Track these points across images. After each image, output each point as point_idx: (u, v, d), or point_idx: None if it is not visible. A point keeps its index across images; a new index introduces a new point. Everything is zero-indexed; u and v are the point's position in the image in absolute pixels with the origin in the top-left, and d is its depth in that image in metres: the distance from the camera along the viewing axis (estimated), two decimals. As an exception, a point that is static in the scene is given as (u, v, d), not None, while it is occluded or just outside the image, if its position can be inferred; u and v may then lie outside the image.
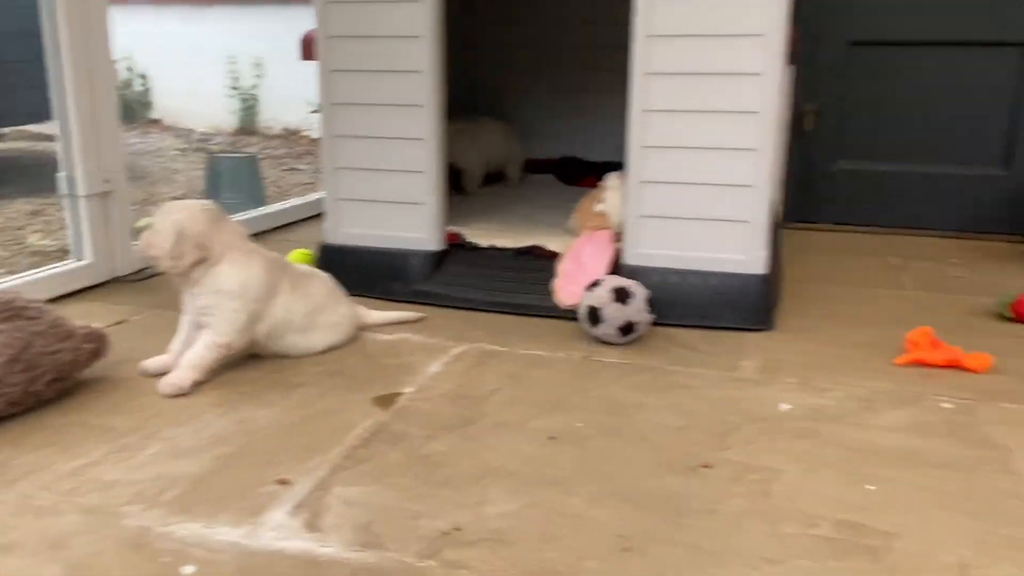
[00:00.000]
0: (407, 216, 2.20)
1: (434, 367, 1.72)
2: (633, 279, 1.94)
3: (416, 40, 2.08)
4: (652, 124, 1.97)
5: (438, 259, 2.22)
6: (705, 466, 1.31)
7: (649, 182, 2.00)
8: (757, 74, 1.88)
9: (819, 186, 3.19)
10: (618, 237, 2.13)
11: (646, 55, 1.92)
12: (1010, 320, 2.07)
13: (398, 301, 2.12)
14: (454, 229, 2.31)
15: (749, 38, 1.87)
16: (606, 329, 1.85)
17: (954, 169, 3.06)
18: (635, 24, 1.91)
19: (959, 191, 3.05)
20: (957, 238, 3.03)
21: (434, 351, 1.81)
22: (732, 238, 1.98)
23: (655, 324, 1.94)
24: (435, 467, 1.29)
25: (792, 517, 1.16)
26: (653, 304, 1.88)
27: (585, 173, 3.20)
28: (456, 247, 2.28)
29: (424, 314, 2.04)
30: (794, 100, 3.10)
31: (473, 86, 3.49)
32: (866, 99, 3.08)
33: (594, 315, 1.85)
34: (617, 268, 2.06)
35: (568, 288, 2.03)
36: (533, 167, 3.47)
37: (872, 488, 1.25)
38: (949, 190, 3.06)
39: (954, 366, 1.73)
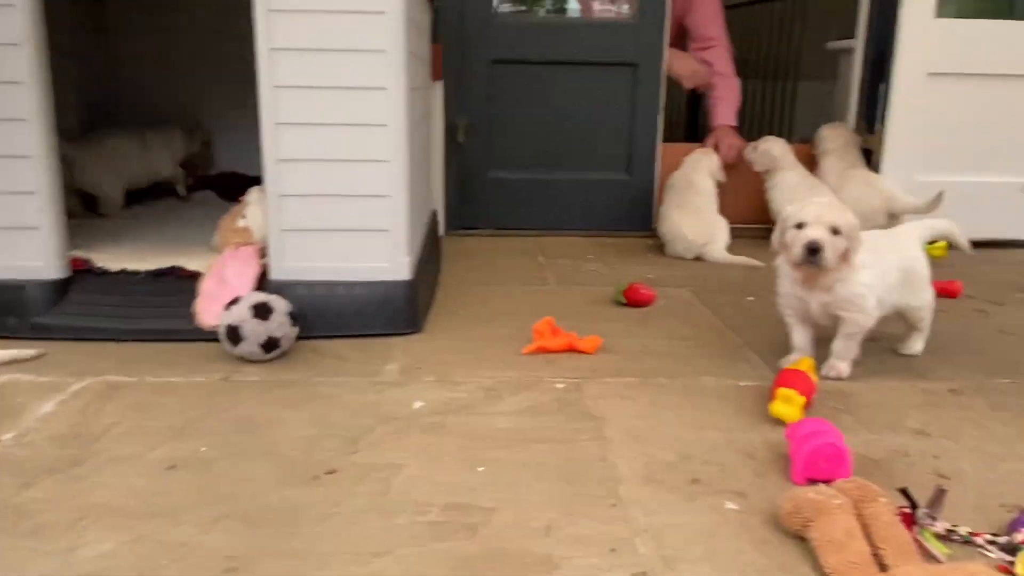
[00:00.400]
0: (18, 242, 1.97)
1: (45, 408, 1.55)
2: (280, 294, 1.92)
3: (12, 48, 1.87)
4: (285, 137, 1.96)
5: (61, 288, 2.01)
6: (330, 472, 1.33)
7: (288, 195, 1.99)
8: (383, 88, 1.95)
9: (477, 194, 3.40)
10: (263, 252, 2.09)
11: (271, 68, 1.91)
12: (624, 305, 2.36)
13: (13, 338, 1.90)
14: (80, 254, 2.11)
15: (372, 53, 1.93)
16: (248, 347, 1.80)
17: (589, 175, 3.42)
18: (257, 37, 1.89)
19: (594, 195, 3.43)
20: (594, 236, 3.40)
21: (48, 390, 1.64)
22: (374, 247, 2.03)
23: (305, 338, 1.94)
24: (25, 517, 1.17)
25: (406, 508, 1.22)
26: (297, 317, 1.87)
27: (245, 188, 3.10)
28: (83, 274, 2.08)
29: (43, 350, 1.83)
30: (445, 114, 3.29)
31: (116, 100, 3.25)
32: (511, 112, 3.34)
33: (234, 334, 1.80)
34: (264, 284, 2.02)
35: (210, 308, 1.95)
36: (194, 183, 3.30)
37: (482, 470, 1.35)
38: (586, 194, 3.42)
39: (571, 350, 1.94)
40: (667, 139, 3.49)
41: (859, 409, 1.65)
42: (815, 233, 1.67)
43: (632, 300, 2.35)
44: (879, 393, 1.74)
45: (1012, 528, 1.15)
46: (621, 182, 3.43)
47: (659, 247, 3.16)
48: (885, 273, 1.79)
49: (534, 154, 3.39)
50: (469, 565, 1.09)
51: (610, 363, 1.88)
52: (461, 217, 3.40)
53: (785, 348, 1.91)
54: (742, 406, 1.65)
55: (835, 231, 1.68)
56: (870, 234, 1.87)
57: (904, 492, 1.18)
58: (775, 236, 1.78)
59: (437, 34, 3.15)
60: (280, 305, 1.84)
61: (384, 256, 2.04)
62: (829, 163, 3.27)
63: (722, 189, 3.21)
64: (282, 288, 1.98)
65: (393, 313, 2.04)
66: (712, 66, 3.51)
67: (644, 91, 3.32)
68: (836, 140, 3.29)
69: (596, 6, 3.48)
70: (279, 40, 1.90)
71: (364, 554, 1.10)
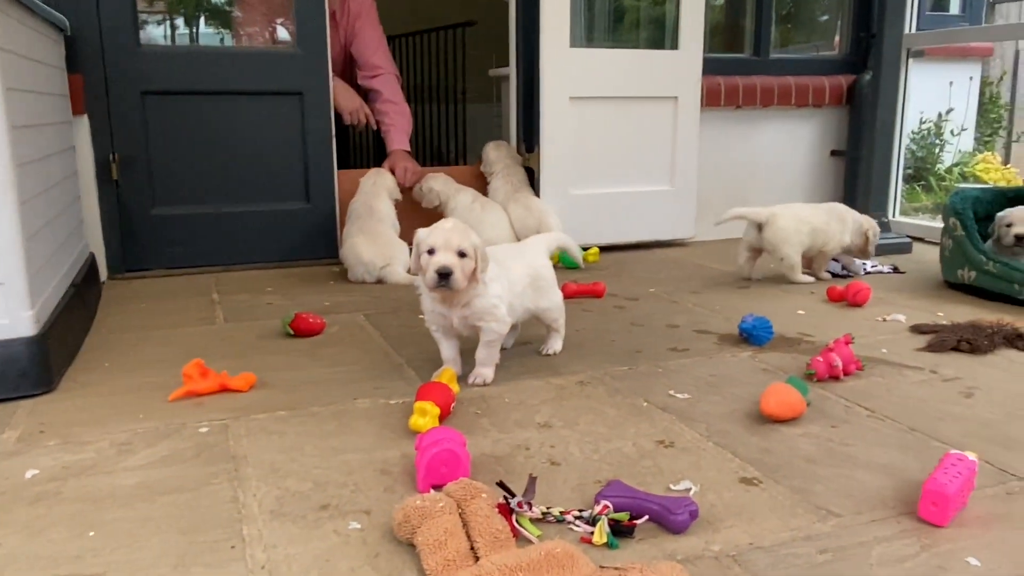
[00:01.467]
0: None
1: None
2: None
3: None
4: None
5: None
6: (-100, 569, 1.17)
7: None
8: (-26, 127, 1.76)
9: (141, 234, 3.19)
10: None
11: None
12: (293, 336, 2.35)
13: None
14: None
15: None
16: None
17: (267, 206, 3.36)
18: None
19: (273, 225, 3.36)
20: (278, 268, 3.34)
21: None
22: (-14, 303, 1.83)
23: (-98, 415, 1.69)
24: None
25: (-10, 594, 1.11)
26: None
27: None
28: None
29: None
30: (96, 150, 3.05)
31: None
32: (171, 146, 3.18)
33: None
34: None
35: None
36: None
37: (93, 534, 1.26)
38: (265, 225, 3.35)
39: (223, 390, 1.89)
40: (356, 166, 3.54)
41: (496, 411, 1.78)
42: (444, 259, 1.78)
43: (300, 331, 2.34)
44: (517, 393, 1.89)
45: (595, 501, 1.30)
46: (302, 211, 3.41)
47: (343, 273, 3.18)
48: (513, 282, 1.96)
49: (203, 188, 3.26)
50: (56, 642, 1.01)
51: (264, 399, 1.86)
52: (127, 259, 3.18)
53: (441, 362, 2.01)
54: (389, 424, 1.71)
55: (462, 254, 1.80)
56: (497, 248, 2.04)
57: (501, 485, 1.29)
58: (411, 260, 1.88)
59: (75, 66, 2.93)
60: None
61: (0, 311, 1.84)
62: (497, 184, 3.50)
63: (404, 212, 3.31)
64: None
65: (17, 374, 1.85)
66: (381, 94, 3.61)
67: (313, 119, 3.33)
68: (501, 161, 3.54)
69: (253, 33, 3.44)
70: None
71: (-76, 656, 0.98)
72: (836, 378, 1.95)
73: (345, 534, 1.26)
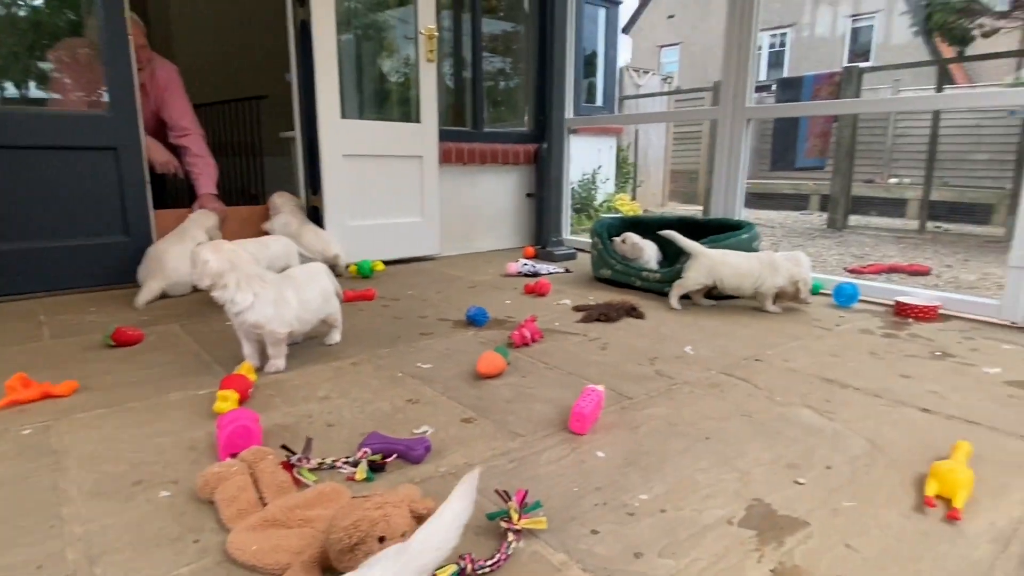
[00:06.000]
0: None
1: None
2: None
3: None
4: None
5: None
6: None
7: None
8: None
9: (-38, 267, 2.60)
10: None
11: None
12: (113, 347, 2.06)
13: None
14: None
15: None
16: None
17: (89, 240, 2.88)
18: None
19: (97, 256, 2.90)
20: (101, 291, 2.89)
21: None
22: None
23: None
24: None
25: None
26: None
27: None
28: None
29: None
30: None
31: None
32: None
33: None
34: None
35: None
36: None
37: (-95, 538, 1.03)
38: (88, 256, 2.88)
39: (46, 397, 1.61)
40: (174, 206, 3.19)
41: (287, 391, 1.70)
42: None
43: (120, 341, 2.06)
44: (303, 376, 1.82)
45: (357, 449, 1.30)
46: (121, 243, 2.96)
47: (160, 294, 2.82)
48: (309, 300, 1.89)
49: (28, 226, 2.73)
50: None
51: (85, 400, 1.61)
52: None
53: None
54: (197, 411, 1.56)
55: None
56: (291, 271, 1.95)
57: (284, 447, 1.25)
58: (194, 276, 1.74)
59: None
60: None
61: None
62: (285, 219, 3.29)
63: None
64: None
65: None
66: (189, 149, 3.26)
67: (128, 168, 2.93)
68: (288, 204, 3.36)
69: (79, 97, 2.94)
70: None
71: None
72: (526, 344, 2.11)
73: (156, 501, 1.15)
